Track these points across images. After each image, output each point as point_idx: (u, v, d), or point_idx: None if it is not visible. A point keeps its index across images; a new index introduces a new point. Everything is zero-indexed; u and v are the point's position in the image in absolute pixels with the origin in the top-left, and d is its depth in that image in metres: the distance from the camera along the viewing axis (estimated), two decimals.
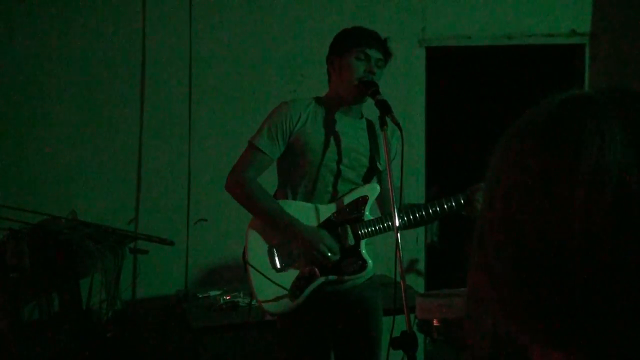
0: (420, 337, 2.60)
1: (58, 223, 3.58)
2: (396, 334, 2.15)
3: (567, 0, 4.34)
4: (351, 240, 2.56)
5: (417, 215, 2.55)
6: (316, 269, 2.54)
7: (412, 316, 2.28)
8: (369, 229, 2.56)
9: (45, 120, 3.90)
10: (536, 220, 0.55)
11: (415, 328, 2.41)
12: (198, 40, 4.00)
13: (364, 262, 2.57)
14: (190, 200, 4.01)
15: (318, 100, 2.64)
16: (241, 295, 3.47)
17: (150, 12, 3.96)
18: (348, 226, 2.56)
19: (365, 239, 2.57)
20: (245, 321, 3.15)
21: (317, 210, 2.56)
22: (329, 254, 2.50)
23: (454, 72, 5.00)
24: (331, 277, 2.55)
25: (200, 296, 3.56)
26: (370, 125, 2.68)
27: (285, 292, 2.52)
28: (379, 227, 2.55)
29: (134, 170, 4.00)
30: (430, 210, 2.56)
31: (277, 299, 2.53)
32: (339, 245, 2.54)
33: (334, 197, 2.59)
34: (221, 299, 3.43)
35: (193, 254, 3.99)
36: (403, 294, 2.15)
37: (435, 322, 2.58)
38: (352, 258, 2.57)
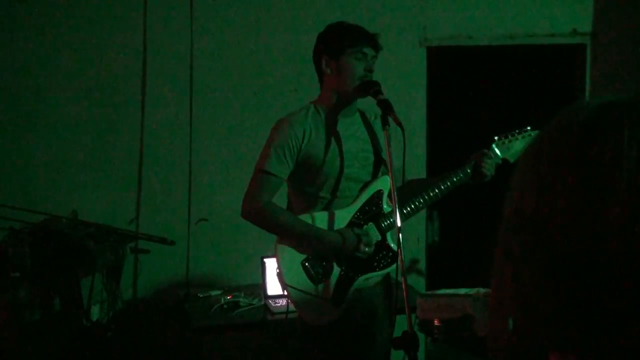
0: (421, 337, 2.60)
1: (59, 223, 3.58)
2: (397, 334, 2.15)
3: (569, 0, 4.34)
4: (378, 236, 2.59)
5: (431, 194, 2.58)
6: (351, 271, 2.56)
7: (413, 316, 2.28)
8: (391, 220, 2.58)
9: (46, 120, 3.90)
10: (570, 232, 0.53)
11: (416, 328, 2.41)
12: (199, 40, 3.99)
13: (394, 253, 2.60)
14: (191, 200, 4.01)
15: (315, 107, 2.61)
16: (242, 295, 3.47)
17: (151, 11, 3.95)
18: (372, 223, 2.58)
19: (390, 231, 2.61)
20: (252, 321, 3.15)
21: (339, 216, 2.58)
22: (367, 249, 2.52)
23: (454, 72, 4.99)
24: (367, 275, 2.58)
25: (201, 296, 3.55)
26: (363, 116, 2.69)
27: (328, 302, 2.53)
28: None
29: (135, 170, 3.99)
30: (442, 186, 2.60)
31: (322, 311, 2.54)
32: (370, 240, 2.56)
33: (351, 200, 2.60)
34: (222, 298, 3.42)
35: (194, 254, 3.99)
36: (404, 294, 2.15)
37: (436, 322, 2.59)
38: (382, 252, 2.60)
